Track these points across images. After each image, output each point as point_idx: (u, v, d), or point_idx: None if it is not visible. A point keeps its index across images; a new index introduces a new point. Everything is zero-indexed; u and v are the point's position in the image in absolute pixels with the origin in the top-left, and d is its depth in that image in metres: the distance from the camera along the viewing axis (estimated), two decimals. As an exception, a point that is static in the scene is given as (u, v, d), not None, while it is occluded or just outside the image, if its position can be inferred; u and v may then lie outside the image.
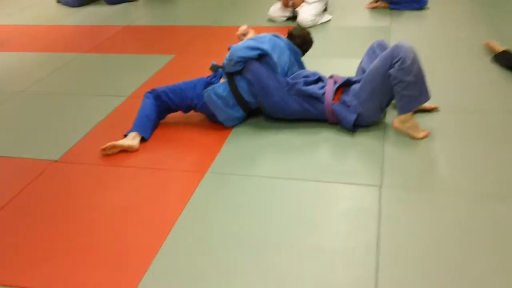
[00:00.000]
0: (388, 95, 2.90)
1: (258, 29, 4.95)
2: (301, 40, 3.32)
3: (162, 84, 3.36)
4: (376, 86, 2.86)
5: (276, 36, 3.22)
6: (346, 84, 3.04)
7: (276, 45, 3.12)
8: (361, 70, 3.21)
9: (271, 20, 5.28)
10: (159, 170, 2.83)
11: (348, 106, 2.95)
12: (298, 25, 5.02)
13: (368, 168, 2.69)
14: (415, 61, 2.73)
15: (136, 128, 3.11)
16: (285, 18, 5.24)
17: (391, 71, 2.75)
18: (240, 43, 3.13)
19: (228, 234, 2.30)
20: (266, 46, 3.05)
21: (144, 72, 4.18)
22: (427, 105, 3.11)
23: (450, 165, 2.67)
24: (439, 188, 2.50)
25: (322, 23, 5.09)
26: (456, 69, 3.83)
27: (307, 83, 3.06)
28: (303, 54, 3.38)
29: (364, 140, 2.93)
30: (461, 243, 2.13)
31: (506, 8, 5.20)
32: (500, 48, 3.88)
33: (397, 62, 2.73)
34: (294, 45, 3.27)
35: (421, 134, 2.90)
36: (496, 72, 3.70)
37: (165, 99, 3.22)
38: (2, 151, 3.19)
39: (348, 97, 2.97)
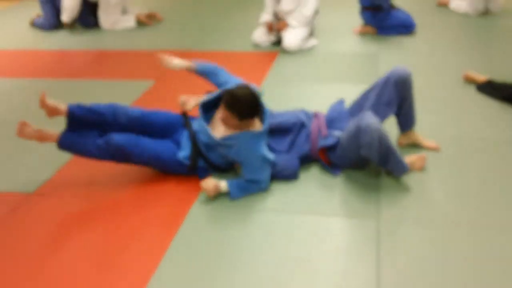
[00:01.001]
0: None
1: (243, 55, 4.87)
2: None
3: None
4: (351, 159, 2.75)
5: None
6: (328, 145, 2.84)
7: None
8: (358, 105, 2.98)
9: (256, 45, 5.16)
10: (141, 207, 2.68)
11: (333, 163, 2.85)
12: (284, 50, 4.90)
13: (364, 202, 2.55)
14: (381, 143, 2.52)
15: None
16: (269, 43, 5.12)
17: (361, 151, 2.60)
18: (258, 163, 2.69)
19: (217, 271, 2.14)
20: (271, 156, 2.73)
21: (124, 99, 3.99)
22: (428, 143, 3.03)
23: (447, 197, 2.57)
24: (439, 221, 2.39)
25: (308, 48, 4.98)
26: (446, 97, 3.75)
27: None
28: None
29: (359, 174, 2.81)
30: (465, 276, 2.03)
31: (493, 34, 5.16)
32: (480, 77, 3.82)
33: (363, 147, 2.56)
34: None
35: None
36: (484, 101, 3.63)
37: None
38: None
39: (332, 155, 2.84)
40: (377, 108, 2.80)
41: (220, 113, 2.72)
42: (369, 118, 2.52)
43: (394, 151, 2.57)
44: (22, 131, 2.83)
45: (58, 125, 2.90)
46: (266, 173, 2.67)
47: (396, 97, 2.81)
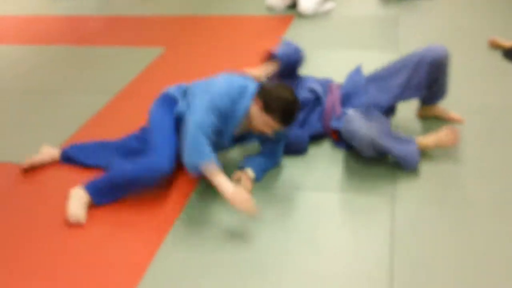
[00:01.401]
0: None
1: (256, 20, 4.68)
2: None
3: (152, 81, 3.05)
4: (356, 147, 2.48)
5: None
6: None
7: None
8: (383, 80, 2.67)
9: (269, 8, 4.95)
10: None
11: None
12: (299, 14, 4.70)
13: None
14: (375, 146, 2.31)
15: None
16: (284, 6, 4.91)
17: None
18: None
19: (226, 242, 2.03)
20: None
21: (133, 67, 3.88)
22: (452, 115, 2.81)
23: (469, 175, 2.40)
24: (459, 201, 2.23)
25: (324, 12, 4.76)
26: (470, 64, 3.52)
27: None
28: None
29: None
30: (481, 259, 1.89)
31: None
32: (507, 43, 3.59)
33: (357, 148, 2.39)
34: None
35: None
36: (511, 68, 3.41)
37: None
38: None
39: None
40: (404, 90, 2.56)
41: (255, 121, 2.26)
42: (355, 124, 2.30)
43: (393, 150, 2.34)
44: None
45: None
46: (282, 148, 2.55)
47: (428, 79, 2.54)
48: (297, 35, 4.26)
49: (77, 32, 4.84)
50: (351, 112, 2.36)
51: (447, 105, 2.94)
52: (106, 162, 2.58)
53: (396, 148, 2.34)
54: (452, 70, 3.43)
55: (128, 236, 2.18)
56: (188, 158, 2.11)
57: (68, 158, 2.70)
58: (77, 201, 2.29)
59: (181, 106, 2.40)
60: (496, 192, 2.28)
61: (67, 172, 2.66)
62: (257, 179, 2.44)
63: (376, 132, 2.28)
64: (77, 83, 3.73)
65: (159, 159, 2.26)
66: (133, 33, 4.70)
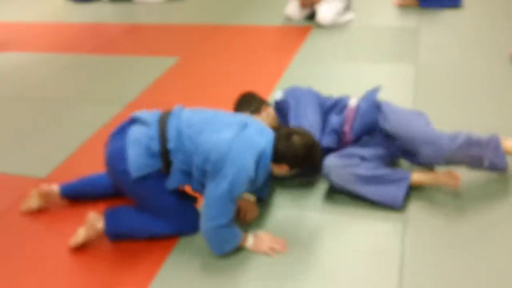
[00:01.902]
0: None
1: (273, 30, 4.62)
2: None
3: (164, 91, 2.99)
4: None
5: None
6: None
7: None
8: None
9: (288, 18, 4.89)
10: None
11: None
12: (318, 24, 4.62)
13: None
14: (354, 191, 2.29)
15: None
16: (303, 17, 4.85)
17: None
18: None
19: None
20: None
21: (146, 77, 3.86)
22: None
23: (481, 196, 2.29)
24: (474, 231, 2.12)
25: (344, 23, 4.67)
26: (491, 78, 3.40)
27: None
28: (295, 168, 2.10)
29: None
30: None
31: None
32: None
33: None
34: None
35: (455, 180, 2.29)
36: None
37: None
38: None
39: None
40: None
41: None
42: (331, 176, 2.28)
43: (367, 195, 2.26)
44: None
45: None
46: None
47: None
48: (315, 46, 4.18)
49: (94, 40, 4.86)
50: (327, 162, 2.28)
51: (465, 120, 2.83)
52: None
53: (371, 193, 2.25)
54: (473, 84, 3.32)
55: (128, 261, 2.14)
56: (219, 250, 2.04)
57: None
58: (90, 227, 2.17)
59: (176, 162, 2.03)
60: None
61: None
62: (262, 199, 2.36)
63: (352, 180, 2.25)
64: (91, 92, 3.73)
65: (189, 226, 2.17)
66: (148, 42, 4.69)
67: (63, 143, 3.05)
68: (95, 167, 2.75)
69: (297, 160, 2.01)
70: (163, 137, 2.02)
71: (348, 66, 3.76)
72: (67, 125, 3.29)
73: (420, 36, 4.21)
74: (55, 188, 2.45)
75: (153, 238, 2.18)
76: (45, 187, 2.44)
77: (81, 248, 2.20)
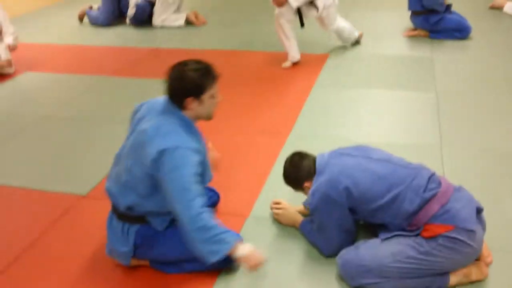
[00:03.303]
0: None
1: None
2: None
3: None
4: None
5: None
6: None
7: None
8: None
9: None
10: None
11: None
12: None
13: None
14: None
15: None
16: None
17: None
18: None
19: None
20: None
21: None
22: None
23: None
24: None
25: (353, 48, 4.84)
26: (505, 107, 3.57)
27: None
28: None
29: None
30: None
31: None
32: None
33: None
34: None
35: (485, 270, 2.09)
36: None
37: None
38: (27, 182, 2.98)
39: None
40: None
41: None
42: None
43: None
44: None
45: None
46: None
47: None
48: (333, 74, 4.34)
49: (117, 63, 4.98)
50: None
51: (478, 148, 2.97)
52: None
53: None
54: (488, 110, 3.48)
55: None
56: (207, 254, 1.92)
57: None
58: None
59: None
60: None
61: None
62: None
63: None
64: (122, 113, 3.79)
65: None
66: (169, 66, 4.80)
67: (99, 161, 3.13)
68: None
69: (189, 85, 2.03)
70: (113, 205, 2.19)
71: (370, 92, 3.91)
72: (100, 143, 3.37)
73: (435, 64, 4.39)
74: None
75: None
76: None
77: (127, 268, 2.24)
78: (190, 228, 1.89)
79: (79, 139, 3.46)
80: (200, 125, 2.14)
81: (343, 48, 4.97)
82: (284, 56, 4.57)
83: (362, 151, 2.16)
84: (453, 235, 1.88)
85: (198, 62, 2.09)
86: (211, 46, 5.31)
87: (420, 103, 3.68)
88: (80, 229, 2.53)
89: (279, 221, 2.44)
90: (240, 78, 4.36)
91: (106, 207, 2.63)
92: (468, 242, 1.89)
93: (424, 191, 1.97)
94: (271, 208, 2.49)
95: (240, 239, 1.98)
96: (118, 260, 2.20)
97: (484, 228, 2.03)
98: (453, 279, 2.00)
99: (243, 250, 1.95)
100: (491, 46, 4.82)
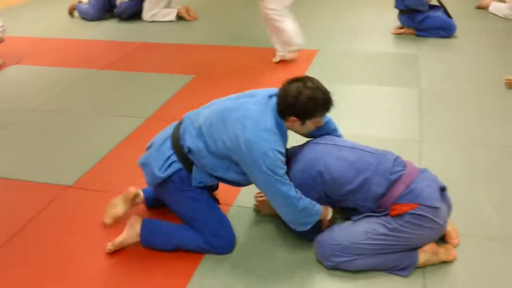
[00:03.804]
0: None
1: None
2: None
3: (183, 106, 3.17)
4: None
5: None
6: None
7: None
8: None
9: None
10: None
11: None
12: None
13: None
14: None
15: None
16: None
17: None
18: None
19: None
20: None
21: (164, 92, 4.02)
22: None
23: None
24: (484, 231, 2.32)
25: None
26: (486, 103, 3.65)
27: None
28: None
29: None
30: None
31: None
32: None
33: None
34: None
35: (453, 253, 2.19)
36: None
37: None
38: (13, 173, 3.01)
39: None
40: None
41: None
42: None
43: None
44: None
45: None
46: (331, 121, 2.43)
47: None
48: (322, 69, 4.41)
49: (109, 56, 5.00)
50: None
51: (462, 140, 3.07)
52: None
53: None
54: (469, 108, 3.56)
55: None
56: (302, 225, 2.11)
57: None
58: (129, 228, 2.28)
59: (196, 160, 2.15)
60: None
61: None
62: None
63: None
64: (110, 106, 3.87)
65: (227, 248, 2.24)
66: (162, 60, 4.87)
67: (87, 153, 3.17)
68: (120, 176, 2.91)
69: (299, 108, 2.02)
70: (175, 139, 2.18)
71: (355, 88, 3.98)
72: (89, 136, 3.41)
73: (420, 61, 4.47)
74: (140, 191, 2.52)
75: (181, 249, 2.26)
76: (132, 190, 2.46)
77: (111, 255, 2.28)
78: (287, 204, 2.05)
79: (66, 131, 3.50)
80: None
81: (333, 44, 5.05)
82: (272, 52, 4.63)
83: (329, 140, 2.26)
84: (419, 212, 2.00)
85: (318, 87, 2.08)
86: (202, 41, 5.36)
87: (403, 98, 3.76)
88: (66, 218, 2.57)
89: (260, 210, 2.52)
90: (230, 73, 4.42)
91: (92, 197, 2.72)
92: (433, 218, 2.01)
93: (390, 174, 2.08)
94: (255, 198, 2.56)
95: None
96: (145, 175, 2.25)
97: (449, 207, 2.14)
98: (422, 256, 2.10)
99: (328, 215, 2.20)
100: (475, 45, 4.91)
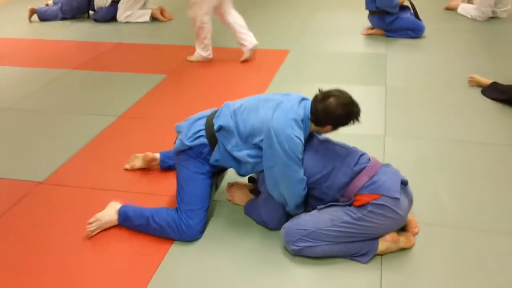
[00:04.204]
0: None
1: (255, 53, 4.89)
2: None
3: (155, 104, 3.21)
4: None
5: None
6: None
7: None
8: None
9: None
10: (154, 195, 2.72)
11: None
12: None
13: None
14: None
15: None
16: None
17: None
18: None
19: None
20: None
21: (136, 92, 4.07)
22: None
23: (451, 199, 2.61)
24: (441, 220, 2.44)
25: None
26: (450, 100, 3.79)
27: None
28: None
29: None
30: None
31: (499, 39, 5.22)
32: (485, 81, 3.87)
33: None
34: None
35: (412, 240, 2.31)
36: (487, 104, 3.69)
37: None
38: (-18, 171, 3.03)
39: None
40: None
41: None
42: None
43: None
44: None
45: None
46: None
47: None
48: (293, 68, 4.51)
49: (81, 57, 5.03)
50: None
51: (427, 137, 3.19)
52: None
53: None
54: (432, 105, 3.69)
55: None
56: (298, 208, 2.30)
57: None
58: (106, 214, 2.44)
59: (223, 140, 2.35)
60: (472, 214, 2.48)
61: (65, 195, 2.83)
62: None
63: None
64: (83, 105, 3.90)
65: (192, 233, 2.33)
66: (135, 60, 4.93)
67: (60, 150, 3.20)
68: (93, 172, 2.97)
69: (338, 120, 2.22)
70: (210, 119, 2.40)
71: (325, 86, 3.98)
72: (61, 134, 3.44)
73: (388, 61, 4.60)
74: (157, 155, 2.90)
75: (151, 226, 2.36)
76: (150, 154, 2.89)
77: (82, 246, 2.34)
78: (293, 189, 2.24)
79: (39, 130, 3.53)
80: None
81: (304, 45, 5.16)
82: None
83: None
84: (380, 202, 2.11)
85: (354, 102, 2.24)
86: (175, 42, 5.42)
87: (370, 96, 3.87)
88: (38, 214, 2.60)
89: (233, 201, 2.62)
90: (201, 73, 4.49)
91: (64, 193, 2.76)
92: (394, 208, 2.12)
93: (355, 165, 2.20)
94: (227, 190, 2.66)
95: None
96: (176, 139, 2.49)
97: (410, 200, 2.25)
98: (383, 244, 2.20)
99: None
100: (443, 45, 5.06)
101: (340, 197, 2.22)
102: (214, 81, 4.26)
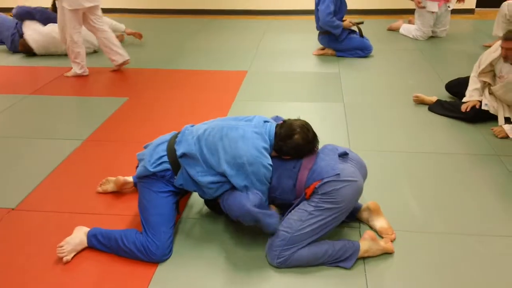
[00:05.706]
0: None
1: (215, 74, 4.99)
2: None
3: (118, 127, 3.29)
4: None
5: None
6: None
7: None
8: None
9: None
10: (126, 216, 2.73)
11: None
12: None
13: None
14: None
15: None
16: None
17: None
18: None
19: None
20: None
21: (98, 115, 4.06)
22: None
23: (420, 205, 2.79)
24: (413, 226, 2.60)
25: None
26: (399, 115, 4.00)
27: None
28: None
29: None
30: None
31: (440, 57, 5.57)
32: (429, 99, 4.12)
33: None
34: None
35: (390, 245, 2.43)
36: (437, 118, 3.93)
37: None
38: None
39: None
40: None
41: None
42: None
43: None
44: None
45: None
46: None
47: None
48: (253, 88, 4.64)
49: (37, 82, 4.94)
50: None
51: (376, 150, 3.37)
52: None
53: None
54: (390, 119, 3.90)
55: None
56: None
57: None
58: (75, 237, 2.45)
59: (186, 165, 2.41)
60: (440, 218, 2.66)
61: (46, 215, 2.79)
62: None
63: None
64: (45, 130, 3.84)
65: (162, 252, 2.35)
66: (96, 84, 4.91)
67: (28, 176, 3.15)
68: (63, 196, 2.94)
69: (301, 153, 2.40)
70: (171, 144, 2.46)
71: (286, 104, 4.22)
72: (28, 160, 3.38)
73: (342, 79, 4.83)
74: (129, 179, 2.93)
75: (120, 246, 2.38)
76: (121, 178, 2.91)
77: (57, 270, 2.34)
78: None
79: (4, 156, 3.44)
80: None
81: (260, 65, 5.32)
82: (204, 74, 4.78)
83: None
84: (323, 182, 2.27)
85: (315, 135, 2.47)
86: (135, 65, 5.41)
87: (331, 112, 4.04)
88: (10, 241, 2.56)
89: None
90: (162, 95, 4.53)
91: (36, 219, 2.72)
92: (340, 180, 2.27)
93: (293, 167, 2.40)
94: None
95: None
96: (138, 167, 2.52)
97: (358, 163, 2.45)
98: (364, 244, 2.35)
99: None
100: (389, 63, 5.37)
101: (294, 199, 2.39)
102: (174, 102, 4.30)
